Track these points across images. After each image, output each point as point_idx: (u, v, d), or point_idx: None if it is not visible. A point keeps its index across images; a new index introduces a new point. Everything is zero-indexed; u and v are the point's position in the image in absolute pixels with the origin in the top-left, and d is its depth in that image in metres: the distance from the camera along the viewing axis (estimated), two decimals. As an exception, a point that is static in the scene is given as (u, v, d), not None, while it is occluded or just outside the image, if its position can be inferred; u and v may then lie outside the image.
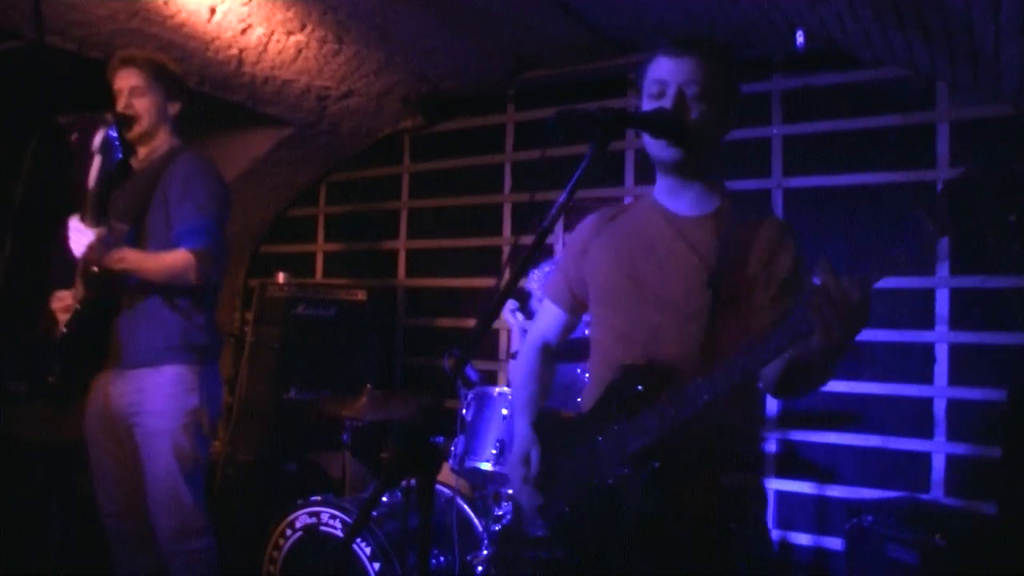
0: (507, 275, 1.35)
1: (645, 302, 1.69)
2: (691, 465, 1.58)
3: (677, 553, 1.58)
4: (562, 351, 2.06)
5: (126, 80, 2.68)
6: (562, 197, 1.37)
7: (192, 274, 2.52)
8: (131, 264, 2.47)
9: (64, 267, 2.67)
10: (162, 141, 2.76)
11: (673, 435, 1.52)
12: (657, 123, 1.59)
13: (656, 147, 1.67)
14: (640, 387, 1.61)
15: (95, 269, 2.38)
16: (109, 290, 2.54)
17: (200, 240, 2.55)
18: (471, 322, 4.69)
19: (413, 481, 1.17)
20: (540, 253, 1.67)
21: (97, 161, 2.32)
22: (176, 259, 2.51)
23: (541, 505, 1.76)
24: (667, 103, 1.64)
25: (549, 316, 1.99)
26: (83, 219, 2.30)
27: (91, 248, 2.28)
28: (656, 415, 1.54)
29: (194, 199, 2.60)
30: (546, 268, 3.50)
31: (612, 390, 1.69)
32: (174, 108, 2.76)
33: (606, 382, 1.71)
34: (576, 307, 1.94)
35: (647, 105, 1.68)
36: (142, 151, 2.77)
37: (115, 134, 2.43)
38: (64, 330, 2.52)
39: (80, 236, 2.28)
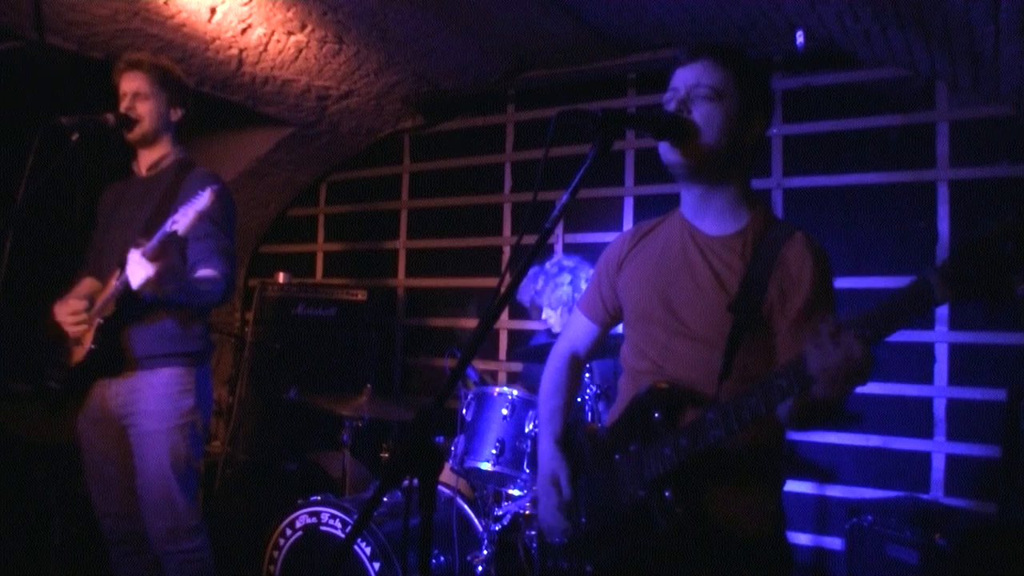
0: (508, 278, 1.34)
1: (669, 325, 1.67)
2: (709, 484, 1.57)
3: (697, 568, 1.57)
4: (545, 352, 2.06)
5: (131, 83, 2.69)
6: (564, 197, 1.37)
7: (218, 298, 2.60)
8: (178, 296, 2.50)
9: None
10: (166, 149, 2.77)
11: (690, 461, 1.51)
12: (655, 123, 1.56)
13: (663, 153, 1.64)
14: (658, 415, 1.61)
15: (144, 294, 2.39)
16: (136, 309, 2.57)
17: (227, 265, 2.62)
18: (471, 322, 4.69)
19: (414, 481, 1.17)
20: (541, 253, 1.65)
21: (193, 217, 2.28)
22: (209, 286, 2.57)
23: (567, 528, 1.75)
24: (672, 105, 1.62)
25: (579, 327, 1.98)
26: (145, 252, 2.31)
27: (149, 282, 2.29)
28: (671, 444, 1.53)
29: (217, 223, 2.62)
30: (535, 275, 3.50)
31: (632, 410, 1.69)
32: (176, 114, 2.77)
33: (629, 399, 1.71)
34: (607, 321, 1.93)
35: None
36: (144, 156, 2.78)
37: (222, 192, 2.41)
38: (93, 346, 2.54)
39: (139, 269, 2.28)
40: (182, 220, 2.29)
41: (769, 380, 1.38)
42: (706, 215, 1.70)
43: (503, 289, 1.35)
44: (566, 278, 3.41)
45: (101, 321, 2.54)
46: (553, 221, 1.35)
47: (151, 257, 2.29)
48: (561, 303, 3.41)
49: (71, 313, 2.57)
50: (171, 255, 2.56)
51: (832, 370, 1.25)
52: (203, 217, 2.32)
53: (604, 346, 2.07)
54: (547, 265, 3.50)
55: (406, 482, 1.15)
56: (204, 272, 2.58)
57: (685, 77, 1.63)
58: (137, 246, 2.32)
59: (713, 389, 1.57)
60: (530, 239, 1.38)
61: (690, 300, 1.65)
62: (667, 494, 1.54)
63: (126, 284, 2.36)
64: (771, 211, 1.73)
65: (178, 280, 2.47)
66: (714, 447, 1.47)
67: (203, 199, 2.28)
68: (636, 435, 1.65)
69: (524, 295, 3.50)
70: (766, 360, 1.59)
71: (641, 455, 1.61)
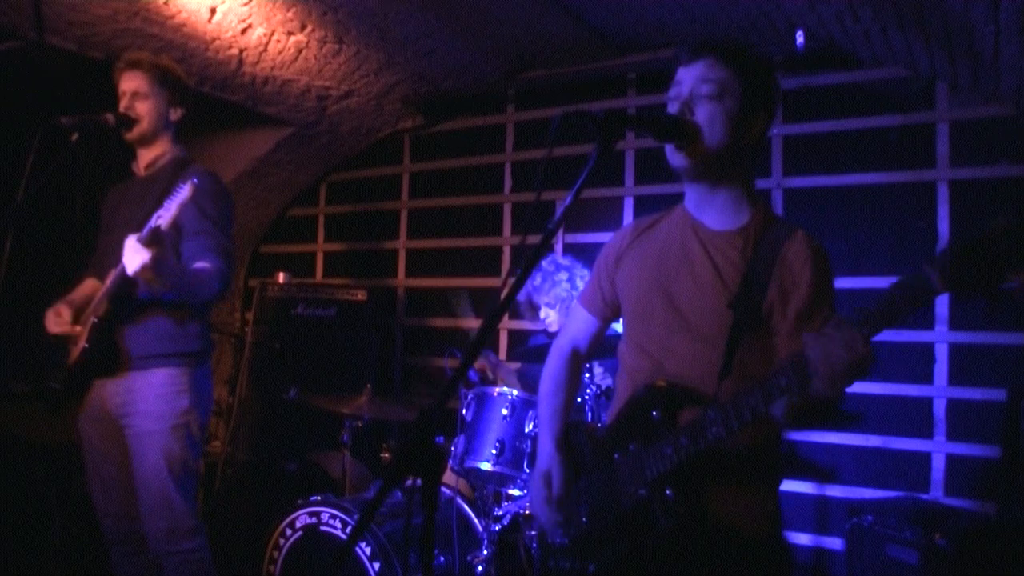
0: (512, 278, 1.34)
1: (670, 322, 1.66)
2: (710, 484, 1.57)
3: (698, 568, 1.57)
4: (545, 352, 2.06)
5: (130, 83, 2.68)
6: (568, 199, 1.36)
7: (214, 293, 2.59)
8: (172, 289, 2.48)
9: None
10: (165, 148, 2.77)
11: (690, 460, 1.51)
12: (656, 124, 1.56)
13: (667, 153, 1.64)
14: (656, 413, 1.61)
15: (142, 281, 2.38)
16: (131, 307, 2.56)
17: (221, 260, 2.60)
18: (470, 322, 4.69)
19: (417, 481, 1.17)
20: (544, 254, 1.63)
21: (175, 211, 2.30)
22: (204, 280, 2.55)
23: (560, 523, 1.76)
24: (675, 107, 1.61)
25: (580, 321, 1.97)
26: (141, 239, 2.30)
27: (145, 267, 2.28)
28: (672, 443, 1.53)
29: (212, 219, 2.62)
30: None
31: (631, 409, 1.68)
32: (176, 114, 2.76)
33: (627, 398, 1.71)
34: (607, 314, 1.92)
35: (670, 108, 1.65)
36: (143, 155, 2.78)
37: (201, 184, 2.39)
38: (86, 345, 2.54)
39: (135, 255, 2.27)
40: (165, 215, 2.31)
41: (769, 378, 1.38)
42: (709, 210, 1.69)
43: (505, 291, 1.34)
44: (563, 275, 3.41)
45: (95, 320, 2.54)
46: (556, 223, 1.35)
47: (146, 243, 2.29)
48: (559, 300, 3.40)
49: (58, 323, 2.57)
50: (164, 250, 2.55)
51: (832, 367, 1.24)
52: (189, 208, 2.32)
53: (604, 345, 2.07)
54: (544, 263, 3.48)
55: (409, 482, 1.15)
56: (197, 267, 2.57)
57: (687, 76, 1.62)
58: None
59: (713, 388, 1.57)
60: (532, 238, 1.38)
61: (691, 296, 1.65)
62: (669, 493, 1.54)
63: (122, 273, 2.35)
64: (772, 209, 1.72)
65: (172, 273, 2.46)
66: (714, 446, 1.47)
67: (183, 192, 2.29)
68: (636, 434, 1.64)
69: (521, 293, 3.49)
70: (766, 360, 1.59)
71: (641, 454, 1.61)
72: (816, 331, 1.28)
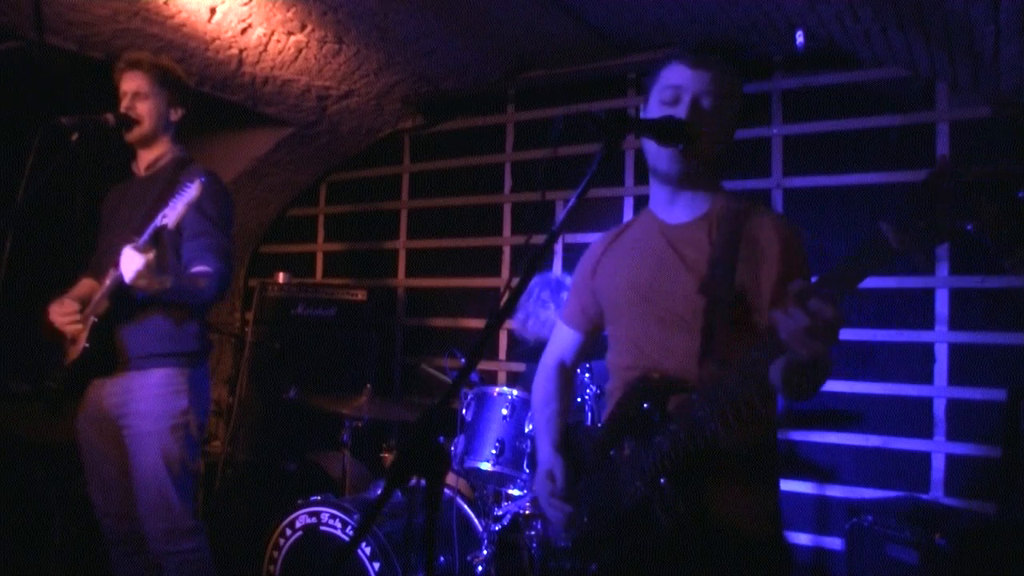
0: (515, 279, 1.34)
1: (647, 315, 1.69)
2: (710, 483, 1.57)
3: (699, 567, 1.57)
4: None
5: (131, 83, 2.69)
6: (572, 200, 1.37)
7: (213, 294, 2.60)
8: (171, 291, 2.48)
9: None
10: (165, 148, 2.77)
11: (688, 456, 1.51)
12: (664, 130, 1.56)
13: (660, 157, 1.65)
14: (648, 406, 1.62)
15: (140, 289, 2.38)
16: (129, 307, 2.56)
17: (221, 262, 2.61)
18: (471, 322, 4.69)
19: (421, 481, 1.17)
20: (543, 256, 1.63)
21: (182, 210, 2.30)
22: (203, 282, 2.56)
23: (570, 515, 1.78)
24: (681, 111, 1.61)
25: (564, 337, 2.03)
26: (137, 246, 2.30)
27: (140, 275, 2.29)
28: (668, 438, 1.54)
29: (212, 220, 2.63)
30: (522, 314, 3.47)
31: (625, 405, 1.70)
32: (176, 114, 2.77)
33: (620, 395, 1.73)
34: (589, 327, 1.97)
35: (656, 110, 1.65)
36: (143, 156, 2.78)
37: (208, 182, 2.38)
38: (87, 344, 2.54)
39: (131, 262, 2.28)
40: (171, 213, 2.31)
41: (747, 357, 1.38)
42: (675, 207, 1.74)
43: (507, 294, 1.34)
44: (551, 308, 3.37)
45: (95, 319, 2.54)
46: (560, 226, 1.35)
47: (143, 251, 2.29)
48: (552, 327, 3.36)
49: (64, 313, 2.57)
50: (164, 250, 2.55)
51: (802, 332, 1.23)
52: (192, 208, 2.33)
53: (603, 347, 2.08)
54: (529, 304, 3.40)
55: (413, 482, 1.16)
56: (197, 269, 2.58)
57: (693, 82, 1.63)
58: (131, 243, 2.33)
59: (695, 372, 1.58)
60: (530, 239, 1.38)
61: (663, 289, 1.67)
62: (667, 488, 1.55)
63: (119, 279, 2.36)
64: (733, 193, 1.75)
65: (171, 276, 2.47)
66: (711, 442, 1.46)
67: (191, 190, 2.29)
68: (632, 430, 1.66)
69: (526, 333, 3.45)
70: (748, 338, 1.56)
71: (639, 450, 1.61)
72: (781, 301, 1.27)
